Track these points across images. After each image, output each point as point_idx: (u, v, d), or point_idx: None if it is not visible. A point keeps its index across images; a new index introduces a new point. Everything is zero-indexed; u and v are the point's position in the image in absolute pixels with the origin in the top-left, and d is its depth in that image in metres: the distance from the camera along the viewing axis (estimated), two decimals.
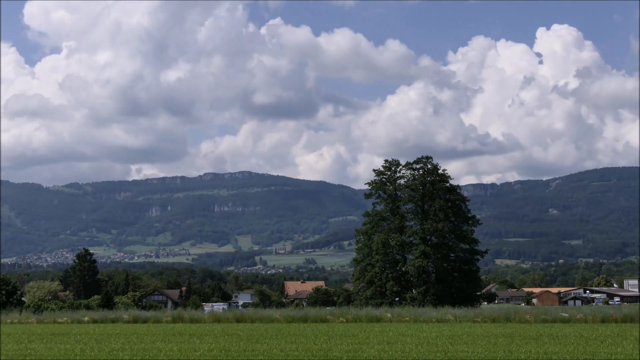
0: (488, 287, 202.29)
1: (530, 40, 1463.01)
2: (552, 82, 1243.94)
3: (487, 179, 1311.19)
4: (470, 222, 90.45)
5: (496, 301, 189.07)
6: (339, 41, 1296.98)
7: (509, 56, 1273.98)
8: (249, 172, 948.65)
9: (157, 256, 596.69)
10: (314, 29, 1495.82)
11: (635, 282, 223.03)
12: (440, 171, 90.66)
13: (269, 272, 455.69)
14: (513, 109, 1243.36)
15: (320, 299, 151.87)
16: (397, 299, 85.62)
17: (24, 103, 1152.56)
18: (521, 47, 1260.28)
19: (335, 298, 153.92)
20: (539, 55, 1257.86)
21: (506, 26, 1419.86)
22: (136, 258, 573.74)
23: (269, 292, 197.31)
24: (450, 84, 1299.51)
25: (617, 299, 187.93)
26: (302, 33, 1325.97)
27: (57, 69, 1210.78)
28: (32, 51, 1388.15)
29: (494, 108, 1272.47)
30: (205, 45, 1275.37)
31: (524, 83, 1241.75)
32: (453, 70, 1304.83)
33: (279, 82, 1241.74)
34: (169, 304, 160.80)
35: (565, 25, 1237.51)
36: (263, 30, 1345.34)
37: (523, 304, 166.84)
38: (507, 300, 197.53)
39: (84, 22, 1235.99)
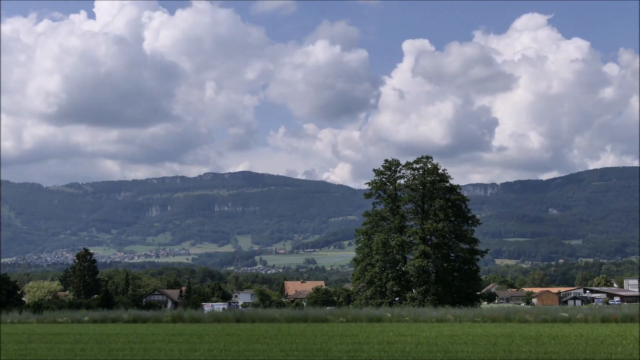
0: (488, 287, 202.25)
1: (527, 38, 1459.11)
2: (553, 81, 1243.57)
3: (487, 179, 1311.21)
4: (470, 222, 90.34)
5: (496, 301, 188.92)
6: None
7: (511, 55, 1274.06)
8: (249, 172, 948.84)
9: (157, 256, 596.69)
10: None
11: (635, 282, 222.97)
12: (440, 171, 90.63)
13: (269, 272, 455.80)
14: (515, 108, 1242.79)
15: (320, 299, 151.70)
16: (397, 299, 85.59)
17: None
18: (523, 45, 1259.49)
19: (335, 298, 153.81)
20: (539, 54, 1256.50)
21: (501, 22, 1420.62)
22: (136, 258, 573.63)
23: (269, 292, 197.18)
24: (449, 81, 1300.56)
25: (617, 299, 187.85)
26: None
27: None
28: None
29: (496, 107, 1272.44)
30: None
31: (525, 82, 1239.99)
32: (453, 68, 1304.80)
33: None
34: (169, 303, 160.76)
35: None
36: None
37: (523, 304, 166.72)
38: (507, 300, 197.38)
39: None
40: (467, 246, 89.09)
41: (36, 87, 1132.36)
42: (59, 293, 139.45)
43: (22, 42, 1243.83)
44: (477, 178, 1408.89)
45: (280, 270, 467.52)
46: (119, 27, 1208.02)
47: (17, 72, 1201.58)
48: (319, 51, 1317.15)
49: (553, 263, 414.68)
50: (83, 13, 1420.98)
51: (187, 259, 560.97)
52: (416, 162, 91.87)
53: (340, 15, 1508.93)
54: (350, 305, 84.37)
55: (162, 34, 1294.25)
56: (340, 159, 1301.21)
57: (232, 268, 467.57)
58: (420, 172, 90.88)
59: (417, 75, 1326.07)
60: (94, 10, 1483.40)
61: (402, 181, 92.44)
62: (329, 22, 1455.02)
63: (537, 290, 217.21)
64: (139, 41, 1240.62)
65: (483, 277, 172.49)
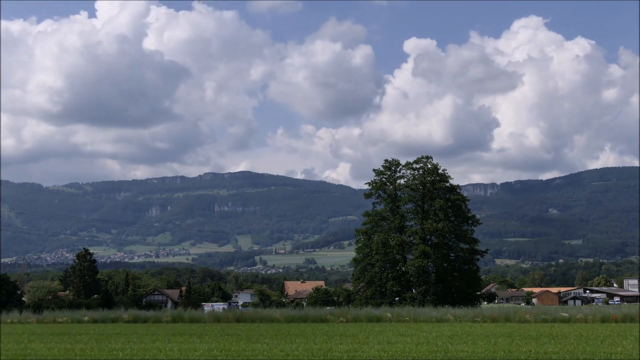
0: (488, 287, 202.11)
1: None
2: (553, 82, 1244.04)
3: (487, 179, 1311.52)
4: (470, 222, 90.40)
5: (496, 301, 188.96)
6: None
7: (511, 56, 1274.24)
8: (249, 172, 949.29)
9: (157, 256, 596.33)
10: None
11: (635, 282, 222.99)
12: (440, 171, 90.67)
13: (269, 272, 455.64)
14: (515, 108, 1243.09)
15: (320, 298, 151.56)
16: (397, 298, 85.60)
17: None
18: (523, 46, 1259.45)
19: (335, 298, 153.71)
20: (539, 55, 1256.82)
21: (502, 23, 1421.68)
22: (136, 258, 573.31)
23: (269, 292, 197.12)
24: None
25: (617, 298, 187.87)
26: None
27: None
28: None
29: (496, 107, 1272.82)
30: None
31: (526, 82, 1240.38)
32: (453, 68, 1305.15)
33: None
34: (169, 303, 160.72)
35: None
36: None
37: (523, 304, 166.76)
38: (507, 300, 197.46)
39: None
40: (467, 246, 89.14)
41: (37, 86, 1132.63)
42: (59, 293, 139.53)
43: (23, 41, 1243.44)
44: (477, 178, 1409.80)
45: (280, 270, 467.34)
46: (120, 26, 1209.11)
47: (18, 71, 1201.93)
48: (321, 51, 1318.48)
49: (553, 263, 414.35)
50: (84, 13, 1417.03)
51: (187, 259, 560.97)
52: (416, 162, 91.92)
53: (344, 14, 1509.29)
54: (350, 305, 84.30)
55: (164, 33, 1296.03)
56: (340, 159, 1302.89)
57: (232, 268, 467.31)
58: (420, 172, 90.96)
59: (418, 75, 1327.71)
60: (95, 8, 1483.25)
61: (402, 181, 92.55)
62: (331, 22, 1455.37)
63: (537, 290, 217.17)
64: (140, 41, 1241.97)
65: (483, 277, 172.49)
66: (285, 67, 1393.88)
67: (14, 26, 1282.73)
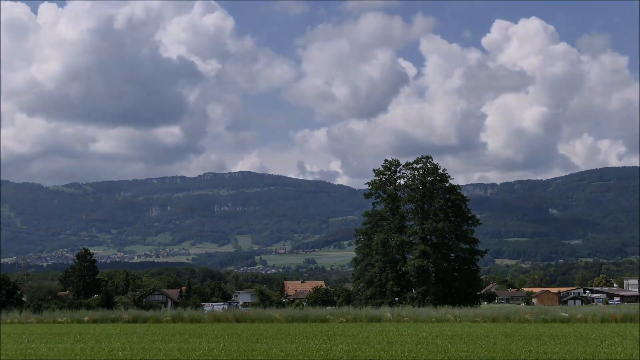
0: (488, 287, 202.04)
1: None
2: (553, 82, 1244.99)
3: (487, 179, 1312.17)
4: (470, 222, 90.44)
5: (496, 301, 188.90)
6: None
7: (512, 53, 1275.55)
8: (249, 172, 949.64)
9: (157, 256, 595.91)
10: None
11: (635, 282, 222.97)
12: (440, 171, 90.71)
13: (269, 272, 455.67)
14: (515, 108, 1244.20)
15: (320, 299, 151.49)
16: (397, 298, 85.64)
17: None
18: (529, 45, 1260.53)
19: (335, 298, 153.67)
20: (540, 55, 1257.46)
21: (504, 24, 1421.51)
22: (136, 258, 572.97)
23: (269, 292, 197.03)
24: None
25: (617, 299, 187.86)
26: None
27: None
28: None
29: (497, 107, 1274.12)
30: None
31: (527, 82, 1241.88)
32: (456, 67, 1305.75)
33: None
34: (169, 303, 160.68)
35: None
36: None
37: (523, 304, 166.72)
38: (507, 300, 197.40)
39: None
40: (467, 246, 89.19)
41: (38, 85, 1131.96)
42: (59, 293, 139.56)
43: (25, 39, 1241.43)
44: (477, 178, 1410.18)
45: (280, 270, 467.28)
46: (125, 25, 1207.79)
47: (19, 70, 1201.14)
48: (322, 50, 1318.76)
49: (553, 263, 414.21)
50: (87, 9, 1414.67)
51: (187, 259, 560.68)
52: (416, 162, 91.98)
53: (349, 14, 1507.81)
54: (350, 305, 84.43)
55: (168, 33, 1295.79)
56: (340, 159, 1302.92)
57: (232, 268, 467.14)
58: (420, 172, 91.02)
59: (422, 73, 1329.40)
60: (99, 6, 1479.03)
61: (402, 181, 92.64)
62: (334, 22, 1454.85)
63: (537, 290, 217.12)
64: (145, 40, 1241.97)
65: (483, 277, 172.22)
66: (286, 67, 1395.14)
67: (17, 20, 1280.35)
